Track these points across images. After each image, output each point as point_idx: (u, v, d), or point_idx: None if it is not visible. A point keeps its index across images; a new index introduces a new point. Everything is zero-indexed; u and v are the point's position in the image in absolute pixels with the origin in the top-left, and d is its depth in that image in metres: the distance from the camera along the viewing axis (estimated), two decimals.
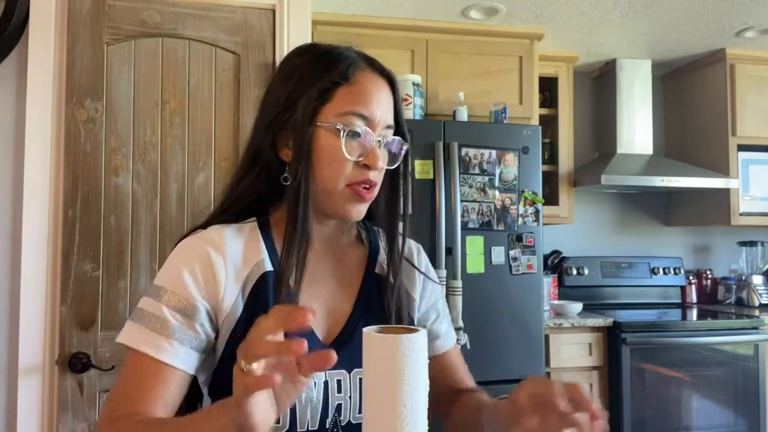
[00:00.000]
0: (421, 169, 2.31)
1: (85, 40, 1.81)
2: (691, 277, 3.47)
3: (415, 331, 0.62)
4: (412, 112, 2.50)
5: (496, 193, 2.38)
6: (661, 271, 3.44)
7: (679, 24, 2.85)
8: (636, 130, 3.29)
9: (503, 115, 2.56)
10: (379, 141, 0.84)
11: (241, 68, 1.93)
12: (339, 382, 0.83)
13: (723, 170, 3.16)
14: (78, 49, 1.80)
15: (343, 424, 0.84)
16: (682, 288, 3.48)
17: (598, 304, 3.35)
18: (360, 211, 0.86)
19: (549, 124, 3.21)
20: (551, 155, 3.21)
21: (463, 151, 2.35)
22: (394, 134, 0.88)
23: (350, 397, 0.84)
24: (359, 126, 0.82)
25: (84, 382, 1.75)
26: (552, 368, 2.73)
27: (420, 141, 2.31)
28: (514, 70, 2.84)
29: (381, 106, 0.85)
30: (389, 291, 0.90)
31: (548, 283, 3.07)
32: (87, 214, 1.78)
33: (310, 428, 0.81)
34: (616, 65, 3.30)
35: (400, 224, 0.93)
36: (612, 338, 2.81)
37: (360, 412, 0.84)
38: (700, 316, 3.08)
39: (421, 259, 1.00)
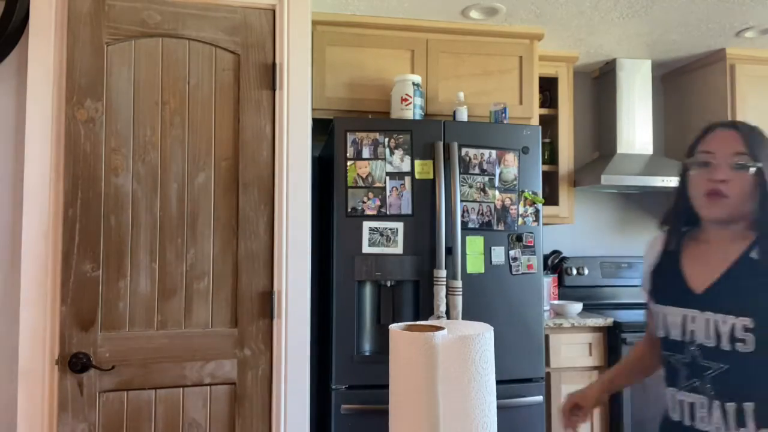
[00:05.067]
0: (421, 169, 2.31)
1: (85, 40, 1.81)
2: None
3: (440, 329, 0.63)
4: (412, 112, 2.50)
5: (496, 193, 2.38)
6: None
7: (679, 24, 2.85)
8: (636, 130, 3.29)
9: (503, 115, 2.56)
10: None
11: (241, 68, 1.93)
12: (693, 317, 1.26)
13: None
14: (78, 49, 1.80)
15: (698, 342, 1.25)
16: None
17: (598, 304, 3.35)
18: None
19: (549, 124, 3.21)
20: (551, 155, 3.21)
21: (463, 151, 2.35)
22: None
23: (700, 328, 1.25)
24: None
25: (84, 382, 1.75)
26: (552, 368, 2.73)
27: (420, 141, 2.32)
28: (514, 70, 2.84)
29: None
30: (757, 269, 1.20)
31: (548, 283, 3.07)
32: (87, 214, 1.79)
33: (676, 339, 1.29)
34: (616, 65, 3.30)
35: None
36: (612, 338, 2.81)
37: (708, 338, 1.23)
38: None
39: None
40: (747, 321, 1.18)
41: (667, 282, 1.35)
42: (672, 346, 1.31)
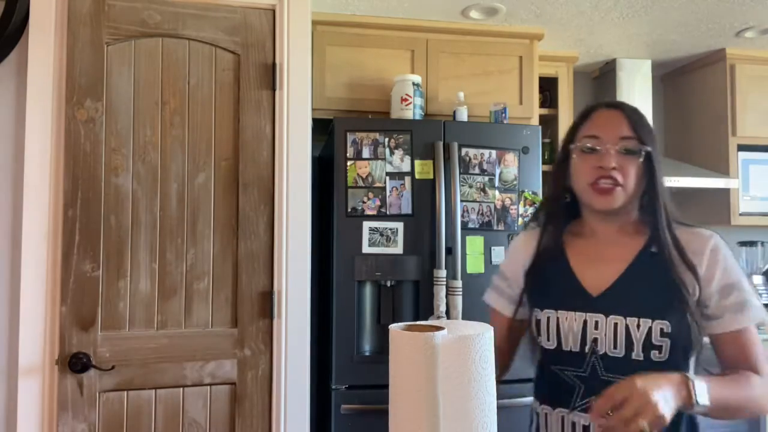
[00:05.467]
0: (421, 169, 2.31)
1: (85, 40, 1.81)
2: None
3: (440, 329, 0.63)
4: (412, 112, 2.50)
5: (496, 193, 2.38)
6: None
7: (679, 24, 2.85)
8: None
9: (503, 115, 2.56)
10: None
11: (241, 68, 1.93)
12: (596, 322, 1.10)
13: (723, 170, 3.16)
14: (78, 49, 1.80)
15: (600, 353, 1.10)
16: None
17: None
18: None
19: (549, 124, 3.21)
20: (551, 155, 3.21)
21: (463, 151, 2.35)
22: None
23: (605, 335, 1.09)
24: None
25: (84, 382, 1.75)
26: None
27: (420, 141, 2.32)
28: (514, 70, 2.84)
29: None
30: (660, 265, 1.09)
31: None
32: (87, 214, 1.79)
33: (572, 350, 1.12)
34: (616, 65, 3.30)
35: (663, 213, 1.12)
36: None
37: (615, 347, 1.08)
38: None
39: (706, 248, 1.10)
40: (665, 324, 1.04)
41: (554, 283, 1.18)
42: (565, 358, 1.13)
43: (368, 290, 2.35)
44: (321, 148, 2.85)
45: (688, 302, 1.06)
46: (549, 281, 1.19)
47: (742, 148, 3.17)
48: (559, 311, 1.14)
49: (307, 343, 1.94)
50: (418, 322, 0.69)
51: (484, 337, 0.66)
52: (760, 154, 3.20)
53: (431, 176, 2.31)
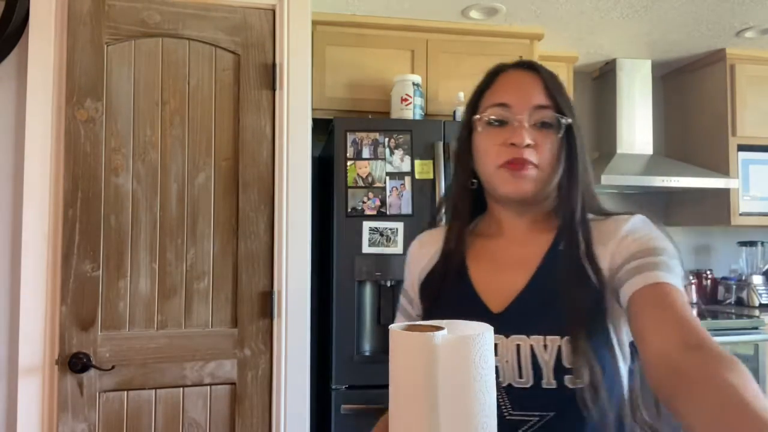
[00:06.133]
0: (421, 169, 2.31)
1: (85, 40, 1.81)
2: (691, 277, 3.47)
3: (440, 329, 0.63)
4: (412, 112, 2.50)
5: None
6: None
7: (679, 24, 2.85)
8: (636, 130, 3.29)
9: None
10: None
11: (241, 68, 1.93)
12: (495, 345, 0.84)
13: (723, 170, 3.16)
14: (78, 49, 1.80)
15: (503, 385, 0.85)
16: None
17: None
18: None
19: None
20: None
21: None
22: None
23: (507, 362, 0.85)
24: None
25: (84, 382, 1.75)
26: None
27: (420, 141, 2.32)
28: None
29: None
30: (567, 262, 0.87)
31: None
32: (87, 214, 1.79)
33: None
34: (616, 65, 3.30)
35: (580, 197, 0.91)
36: None
37: (521, 376, 0.85)
38: (700, 317, 3.08)
39: (620, 229, 0.87)
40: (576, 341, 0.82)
41: (451, 299, 0.93)
42: None
43: (368, 290, 2.35)
44: (321, 148, 2.85)
45: (601, 306, 0.84)
46: (445, 296, 0.94)
47: (742, 148, 3.17)
48: None
49: (307, 343, 1.94)
50: (418, 322, 0.69)
51: (484, 337, 0.66)
52: (760, 154, 3.20)
53: (431, 176, 2.31)
